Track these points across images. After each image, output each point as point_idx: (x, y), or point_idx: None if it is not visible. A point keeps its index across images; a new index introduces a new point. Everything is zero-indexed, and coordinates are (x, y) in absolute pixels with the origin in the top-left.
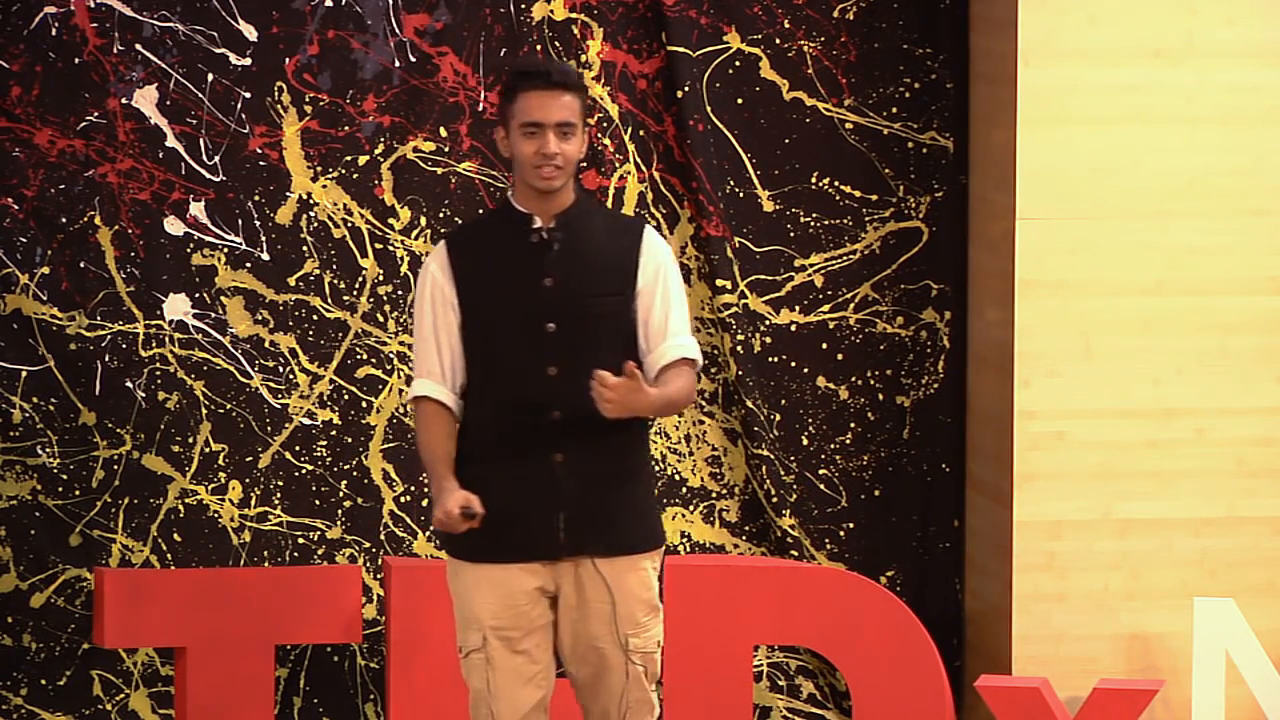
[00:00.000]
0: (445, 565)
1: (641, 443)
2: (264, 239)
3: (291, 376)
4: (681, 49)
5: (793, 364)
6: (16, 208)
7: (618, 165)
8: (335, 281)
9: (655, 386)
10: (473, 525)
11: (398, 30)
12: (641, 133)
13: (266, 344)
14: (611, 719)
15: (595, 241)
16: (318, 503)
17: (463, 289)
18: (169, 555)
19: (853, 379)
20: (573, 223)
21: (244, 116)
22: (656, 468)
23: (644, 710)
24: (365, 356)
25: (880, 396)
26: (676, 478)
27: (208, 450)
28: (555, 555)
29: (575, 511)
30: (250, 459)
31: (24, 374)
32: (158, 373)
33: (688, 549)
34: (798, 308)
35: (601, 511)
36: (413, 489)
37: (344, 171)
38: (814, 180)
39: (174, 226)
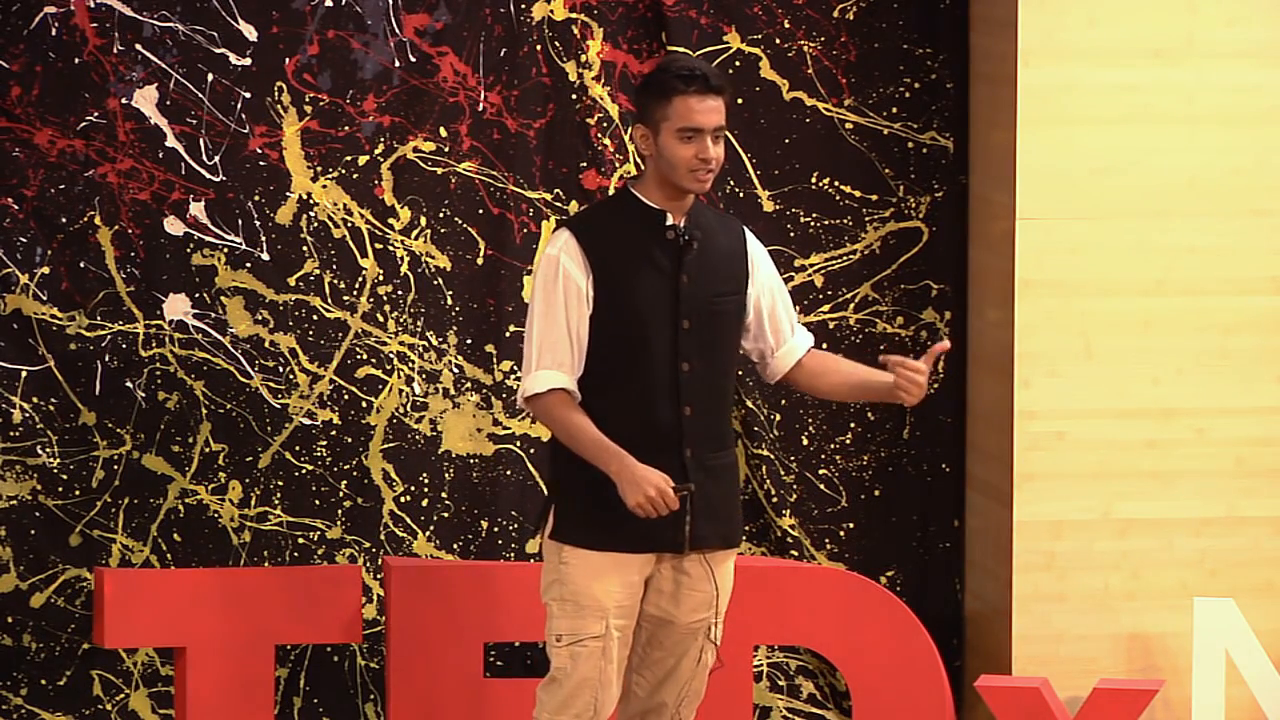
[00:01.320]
0: (448, 568)
1: (734, 439)
2: (264, 239)
3: (291, 376)
4: (681, 49)
5: None
6: (16, 208)
7: (618, 165)
8: (335, 281)
9: (808, 375)
10: (687, 491)
11: (398, 30)
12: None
13: (266, 344)
14: (668, 707)
15: (717, 241)
16: (318, 503)
17: (600, 283)
18: (169, 555)
19: None
20: (701, 223)
21: (244, 116)
22: None
23: (697, 699)
24: (365, 356)
25: None
26: None
27: (208, 450)
28: (679, 549)
29: (702, 507)
30: (250, 459)
31: (24, 374)
32: (158, 373)
33: None
34: (798, 308)
35: (722, 506)
36: (413, 489)
37: (344, 171)
38: (814, 180)
39: (174, 226)
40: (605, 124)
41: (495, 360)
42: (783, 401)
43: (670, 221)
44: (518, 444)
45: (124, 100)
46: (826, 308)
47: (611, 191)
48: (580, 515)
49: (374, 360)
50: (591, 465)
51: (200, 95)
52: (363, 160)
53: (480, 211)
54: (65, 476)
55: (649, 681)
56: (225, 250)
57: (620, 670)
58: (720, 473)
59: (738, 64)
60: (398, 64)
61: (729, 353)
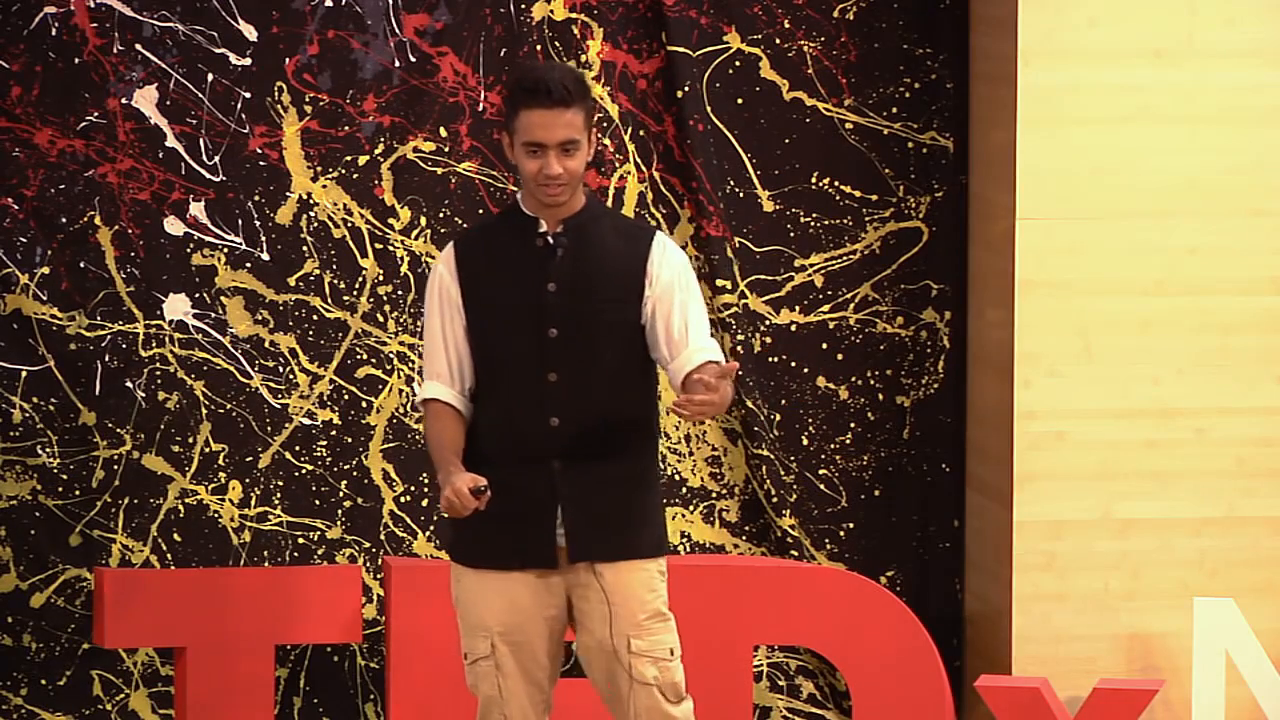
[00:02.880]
0: (448, 568)
1: (645, 449)
2: (264, 239)
3: (291, 376)
4: (681, 49)
5: (793, 364)
6: (16, 208)
7: (618, 165)
8: (335, 281)
9: (691, 390)
10: (479, 505)
11: (398, 30)
12: (641, 133)
13: (266, 344)
14: None
15: (602, 248)
16: (318, 503)
17: (467, 292)
18: (169, 555)
19: (853, 379)
20: (580, 228)
21: (244, 116)
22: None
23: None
24: (365, 356)
25: (880, 396)
26: (676, 478)
27: (208, 450)
28: (552, 564)
29: (574, 519)
30: (250, 459)
31: (24, 374)
32: (158, 373)
33: (688, 549)
34: (798, 308)
35: (601, 518)
36: (413, 489)
37: (344, 171)
38: (814, 180)
39: (174, 226)
40: (605, 124)
41: None
42: (783, 401)
43: (543, 229)
44: None
45: (124, 100)
46: (826, 308)
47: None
48: (462, 532)
49: (374, 360)
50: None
51: (200, 95)
52: (363, 160)
53: (480, 211)
54: (65, 476)
55: (607, 707)
56: (225, 250)
57: (531, 684)
58: (607, 485)
59: (738, 64)
60: (398, 64)
61: (610, 362)
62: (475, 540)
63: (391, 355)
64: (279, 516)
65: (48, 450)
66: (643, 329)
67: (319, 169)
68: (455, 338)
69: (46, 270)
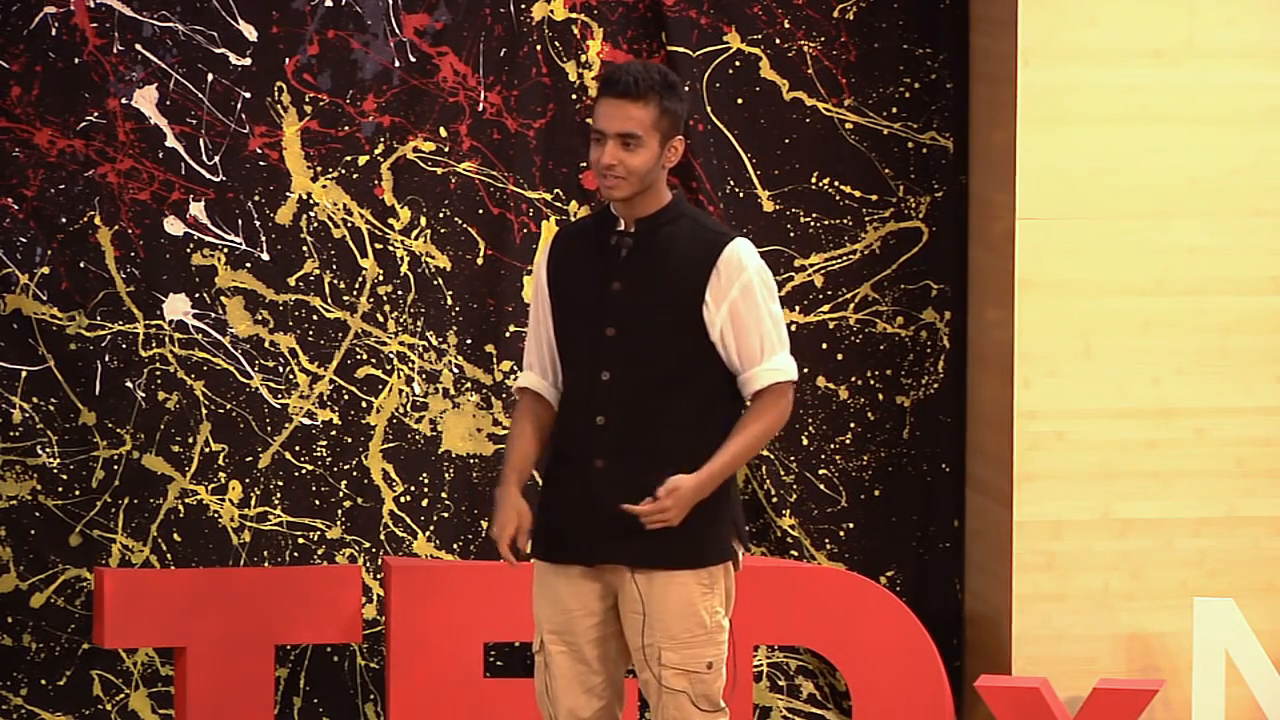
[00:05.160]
0: (448, 567)
1: (699, 458)
2: (264, 239)
3: (291, 376)
4: (681, 49)
5: None
6: (16, 208)
7: None
8: (335, 281)
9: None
10: (508, 559)
11: (398, 30)
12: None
13: (266, 344)
14: None
15: (672, 250)
16: (318, 503)
17: (553, 286)
18: (169, 555)
19: (853, 379)
20: (653, 229)
21: (244, 116)
22: None
23: None
24: (365, 356)
25: (880, 396)
26: None
27: (208, 450)
28: (587, 560)
29: (607, 519)
30: (250, 459)
31: (24, 374)
32: (158, 373)
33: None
34: (798, 308)
35: (634, 522)
36: (413, 489)
37: (344, 171)
38: (814, 180)
39: (174, 226)
40: None
41: (495, 360)
42: None
43: (619, 227)
44: None
45: (124, 100)
46: (826, 308)
47: None
48: (535, 522)
49: (374, 360)
50: (545, 473)
51: (200, 95)
52: (363, 160)
53: (480, 211)
54: (65, 476)
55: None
56: (225, 250)
57: (580, 688)
58: (647, 491)
59: (738, 64)
60: (398, 64)
61: (664, 366)
62: (540, 531)
63: (391, 355)
64: (279, 516)
65: (48, 450)
66: (706, 335)
67: (319, 169)
68: (547, 329)
69: (46, 270)
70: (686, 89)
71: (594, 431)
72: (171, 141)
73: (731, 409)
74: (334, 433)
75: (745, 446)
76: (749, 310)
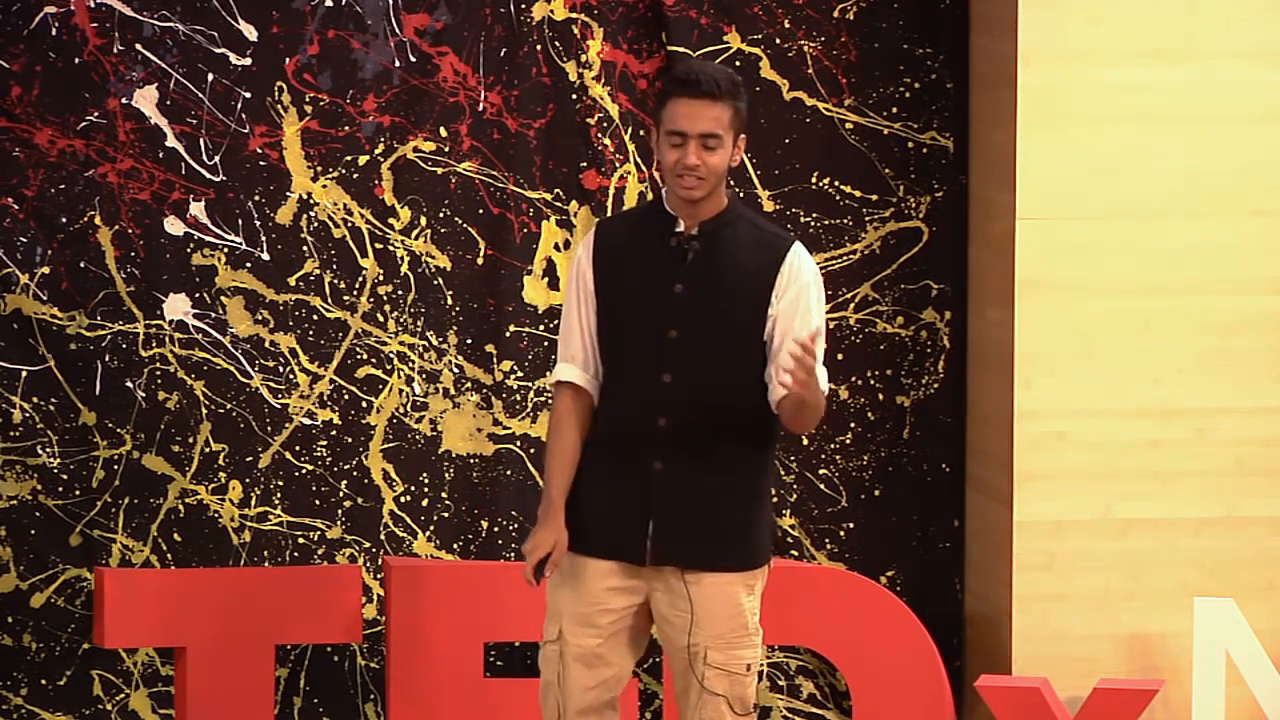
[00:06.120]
0: (448, 567)
1: (753, 462)
2: (264, 239)
3: (291, 376)
4: (681, 49)
5: None
6: (16, 208)
7: (618, 165)
8: (335, 281)
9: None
10: (531, 580)
11: (398, 30)
12: (641, 133)
13: (266, 344)
14: None
15: (735, 254)
16: (318, 503)
17: (601, 281)
18: (169, 555)
19: (853, 379)
20: (716, 232)
21: (244, 116)
22: None
23: None
24: (365, 356)
25: (880, 396)
26: None
27: (208, 450)
28: (639, 561)
29: (665, 521)
30: (250, 459)
31: (24, 374)
32: (158, 373)
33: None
34: None
35: (691, 525)
36: (413, 489)
37: (344, 171)
38: (814, 180)
39: (174, 226)
40: (605, 124)
41: (495, 360)
42: None
43: (680, 228)
44: (518, 444)
45: (124, 100)
46: (827, 308)
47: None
48: (571, 516)
49: (374, 360)
50: (581, 468)
51: (200, 95)
52: (363, 160)
53: (480, 211)
54: (65, 476)
55: (679, 709)
56: (225, 250)
57: (594, 680)
58: (701, 494)
59: (738, 64)
60: (398, 64)
61: (726, 370)
62: (580, 524)
63: (391, 355)
64: (279, 516)
65: (48, 450)
66: (765, 340)
67: (319, 169)
68: (589, 323)
69: (46, 270)
70: None
71: (654, 433)
72: (172, 141)
73: None
74: (334, 433)
75: (821, 402)
76: (802, 315)
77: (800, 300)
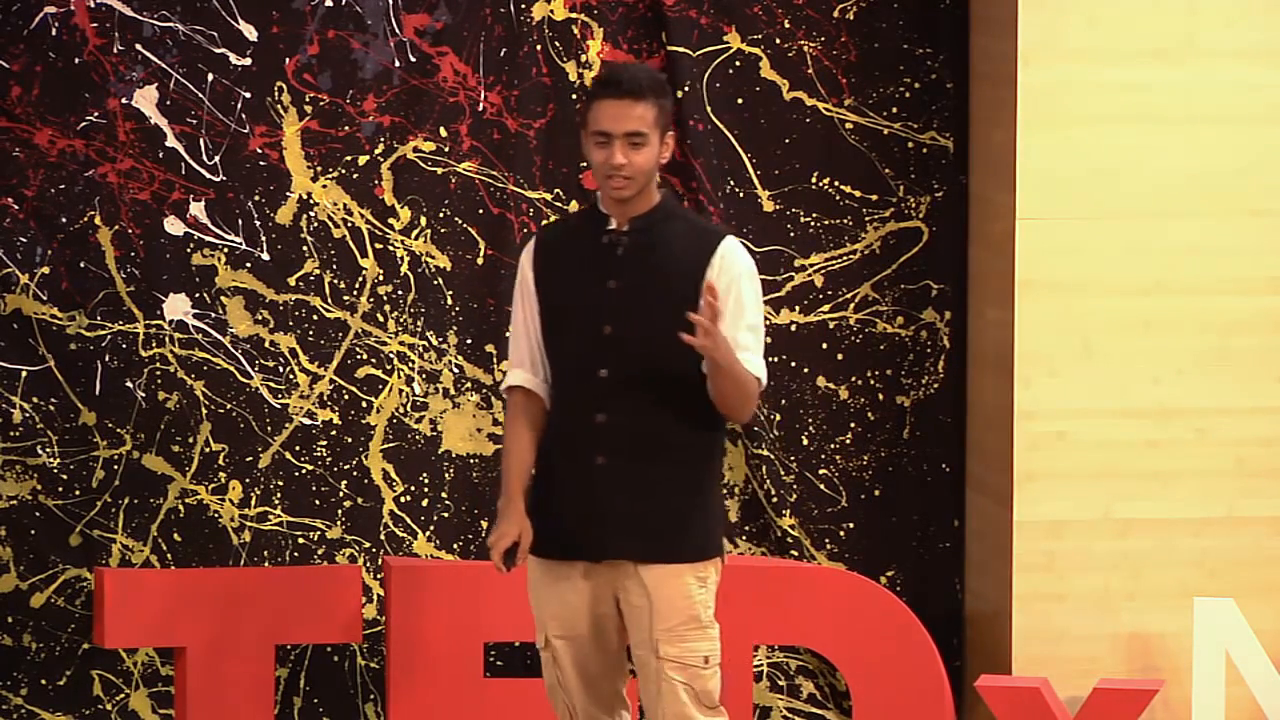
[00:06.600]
0: (448, 567)
1: (695, 453)
2: (264, 239)
3: (291, 376)
4: (681, 49)
5: (793, 364)
6: (16, 208)
7: None
8: (335, 281)
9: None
10: (500, 566)
11: (398, 30)
12: None
13: (266, 344)
14: None
15: (667, 248)
16: (318, 503)
17: (540, 283)
18: (169, 555)
19: (853, 379)
20: (647, 228)
21: (244, 116)
22: None
23: None
24: (365, 356)
25: (880, 396)
26: None
27: (208, 450)
28: (595, 557)
29: (612, 516)
30: (250, 459)
31: (24, 374)
32: (158, 373)
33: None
34: (798, 308)
35: (639, 517)
36: (413, 489)
37: (344, 171)
38: (814, 180)
39: (174, 226)
40: None
41: (495, 360)
42: (783, 401)
43: (611, 225)
44: None
45: (124, 100)
46: (826, 308)
47: None
48: (533, 521)
49: (374, 360)
50: (536, 472)
51: (200, 95)
52: (363, 160)
53: (480, 211)
54: (65, 476)
55: (644, 706)
56: (225, 250)
57: (593, 674)
58: (649, 485)
59: (738, 64)
60: (398, 64)
61: (662, 363)
62: (538, 529)
63: (391, 355)
64: (279, 516)
65: (48, 450)
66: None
67: (319, 169)
68: (534, 326)
69: (46, 270)
70: (687, 88)
71: (594, 429)
72: (171, 141)
73: None
74: (334, 433)
75: (739, 371)
76: (735, 307)
77: (733, 290)
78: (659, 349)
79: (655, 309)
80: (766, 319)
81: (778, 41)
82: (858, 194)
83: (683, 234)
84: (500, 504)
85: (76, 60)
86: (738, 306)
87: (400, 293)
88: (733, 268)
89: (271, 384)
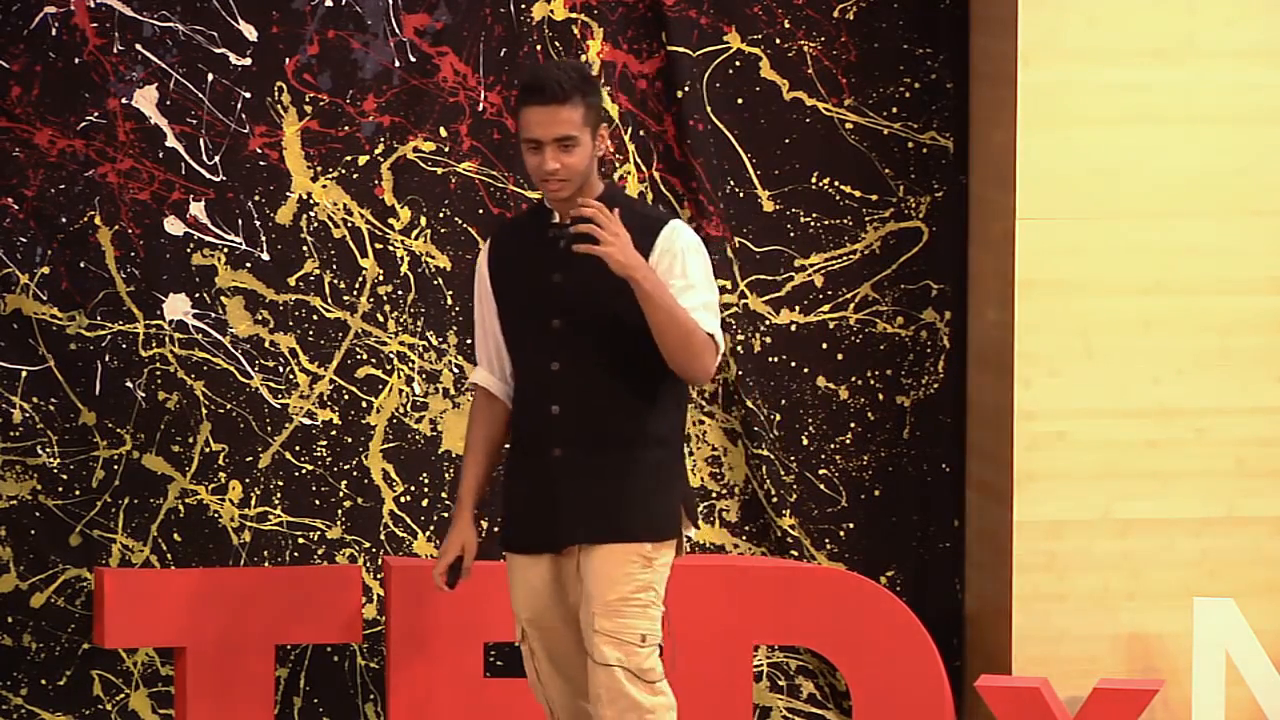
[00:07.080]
0: None
1: (648, 439)
2: (264, 239)
3: (291, 376)
4: (681, 49)
5: (793, 364)
6: (16, 208)
7: (618, 165)
8: (335, 281)
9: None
10: (442, 584)
11: (398, 30)
12: (641, 133)
13: (266, 344)
14: (593, 711)
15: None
16: (318, 503)
17: (495, 282)
18: (169, 555)
19: (853, 379)
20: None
21: (244, 116)
22: None
23: (621, 708)
24: (365, 356)
25: (880, 396)
26: None
27: (208, 450)
28: (555, 548)
29: (568, 506)
30: (250, 459)
31: (24, 374)
32: (158, 373)
33: (688, 549)
34: (798, 308)
35: (591, 504)
36: (413, 489)
37: (344, 171)
38: (814, 180)
39: (174, 226)
40: (605, 124)
41: None
42: (783, 401)
43: (555, 220)
44: None
45: (124, 100)
46: (826, 308)
47: None
48: (503, 517)
49: (374, 360)
50: (505, 468)
51: (200, 95)
52: (363, 160)
53: (480, 211)
54: (65, 476)
55: None
56: (225, 250)
57: (571, 669)
58: (601, 473)
59: (738, 64)
60: (398, 64)
61: (612, 352)
62: (506, 525)
63: (391, 355)
64: (279, 516)
65: (48, 450)
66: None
67: (319, 169)
68: (492, 326)
69: (46, 270)
70: (687, 88)
71: (549, 421)
72: (171, 141)
73: (681, 387)
74: (334, 433)
75: (679, 311)
76: (683, 283)
77: (675, 263)
78: (607, 339)
79: (601, 299)
80: (767, 319)
81: (778, 41)
82: (858, 194)
83: (626, 223)
84: (452, 513)
85: (76, 60)
86: (684, 275)
87: (400, 293)
88: (674, 244)
89: (271, 384)
